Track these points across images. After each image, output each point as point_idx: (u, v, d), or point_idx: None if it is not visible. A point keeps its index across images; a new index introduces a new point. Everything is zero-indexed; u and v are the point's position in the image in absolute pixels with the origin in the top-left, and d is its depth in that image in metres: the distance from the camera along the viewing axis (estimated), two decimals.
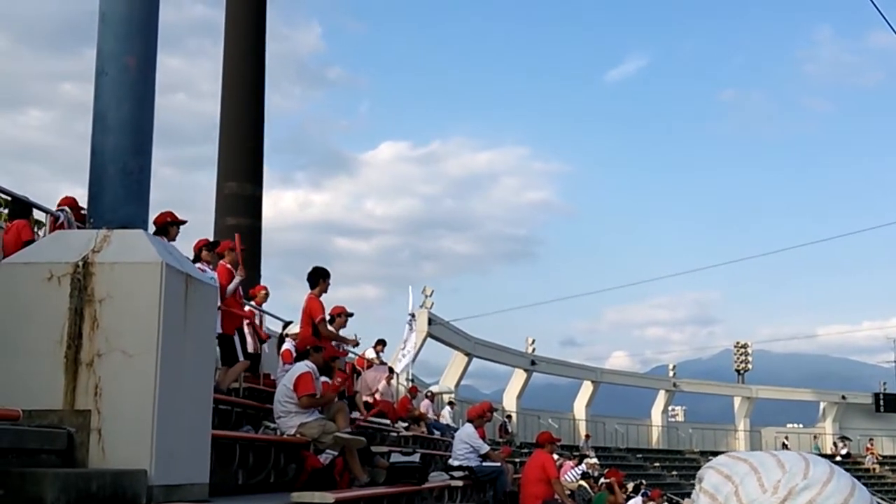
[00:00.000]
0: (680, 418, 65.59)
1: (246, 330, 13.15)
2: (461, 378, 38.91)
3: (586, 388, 47.05)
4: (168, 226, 10.26)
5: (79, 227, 9.24)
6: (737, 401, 53.55)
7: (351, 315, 12.98)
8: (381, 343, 21.35)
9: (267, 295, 15.49)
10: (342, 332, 13.28)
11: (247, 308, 13.77)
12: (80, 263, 5.59)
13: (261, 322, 14.75)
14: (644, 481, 30.67)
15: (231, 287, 11.92)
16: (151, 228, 7.08)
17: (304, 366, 10.45)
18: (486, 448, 15.61)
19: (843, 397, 55.62)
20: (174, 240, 9.95)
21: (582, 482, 21.71)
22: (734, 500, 1.31)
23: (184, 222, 10.68)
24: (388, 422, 17.19)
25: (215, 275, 11.27)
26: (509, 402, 42.25)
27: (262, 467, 9.55)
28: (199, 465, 6.60)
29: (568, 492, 18.98)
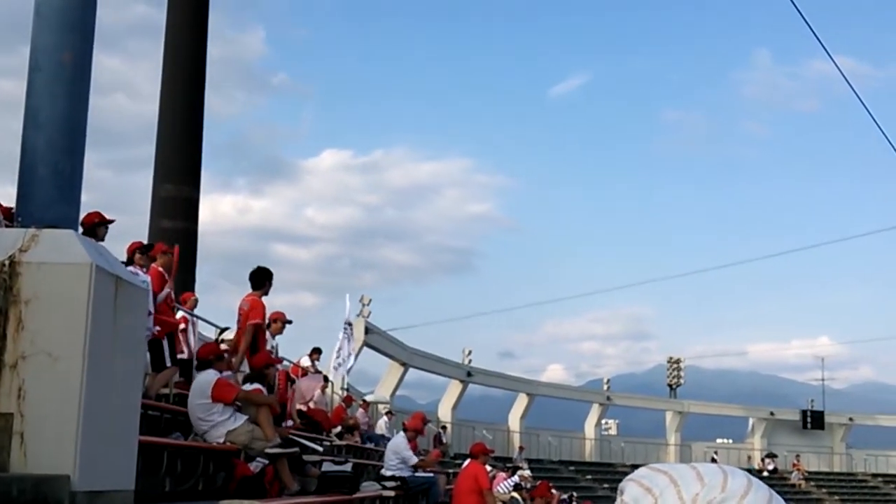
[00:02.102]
0: (613, 432, 66.05)
1: (180, 336, 12.99)
2: (397, 388, 38.84)
3: (521, 401, 47.25)
4: (96, 226, 10.08)
5: (7, 227, 9.05)
6: (668, 415, 54.15)
7: (289, 322, 12.88)
8: (316, 351, 21.23)
9: (196, 301, 15.31)
10: (277, 339, 13.17)
11: (179, 314, 13.60)
12: (7, 263, 5.46)
13: (194, 328, 14.57)
14: (575, 493, 30.88)
15: (162, 294, 11.75)
16: (79, 230, 6.94)
17: (213, 374, 10.25)
18: (413, 460, 15.62)
19: (772, 413, 56.53)
20: (102, 240, 9.77)
21: (514, 494, 21.76)
22: None
23: (111, 222, 10.49)
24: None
25: (148, 278, 11.10)
26: (445, 413, 42.28)
27: (190, 475, 9.41)
28: (125, 471, 6.48)
29: (500, 503, 19.03)
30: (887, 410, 70.82)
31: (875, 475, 54.82)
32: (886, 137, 18.11)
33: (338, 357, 27.90)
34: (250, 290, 12.15)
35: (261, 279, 12.14)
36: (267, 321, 12.53)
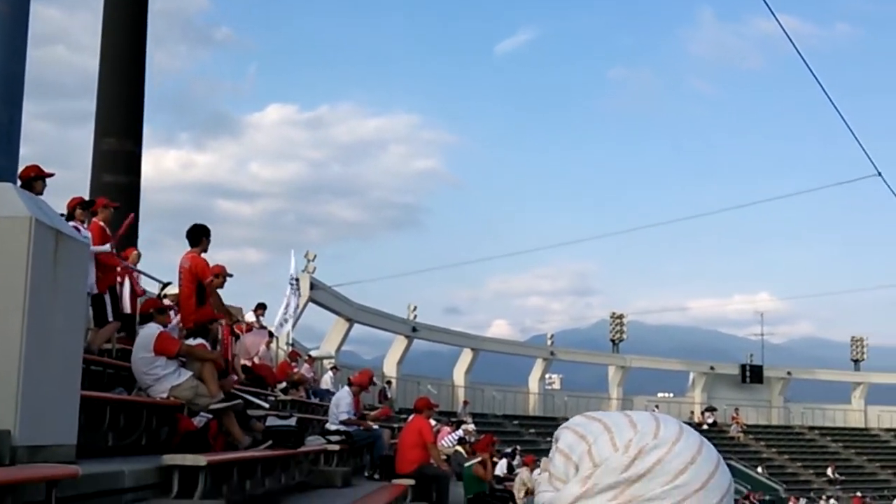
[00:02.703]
0: (556, 386, 66.82)
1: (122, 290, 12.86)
2: (342, 343, 38.86)
3: (466, 356, 47.54)
4: (34, 180, 9.88)
5: None
6: (611, 370, 54.83)
7: (230, 276, 12.78)
8: (261, 307, 21.14)
9: (139, 256, 15.15)
10: (221, 294, 13.08)
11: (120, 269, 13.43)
12: None
13: (136, 283, 14.42)
14: (518, 447, 31.24)
15: (104, 249, 11.60)
16: (17, 183, 6.84)
17: (156, 327, 10.22)
18: (345, 416, 15.74)
19: (712, 368, 57.48)
20: (41, 194, 9.59)
21: (458, 448, 21.96)
22: (587, 459, 1.32)
23: (50, 175, 10.30)
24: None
25: (89, 233, 10.96)
26: (390, 369, 42.42)
27: (133, 429, 9.37)
28: (67, 426, 6.45)
29: (444, 457, 19.19)
30: (825, 365, 72.25)
31: (812, 428, 56.11)
32: (828, 96, 18.36)
33: (285, 312, 27.84)
34: (189, 248, 12.08)
35: (197, 236, 12.06)
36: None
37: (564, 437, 1.37)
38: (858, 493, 45.58)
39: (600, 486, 1.30)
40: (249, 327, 19.55)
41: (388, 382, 38.30)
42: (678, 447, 1.32)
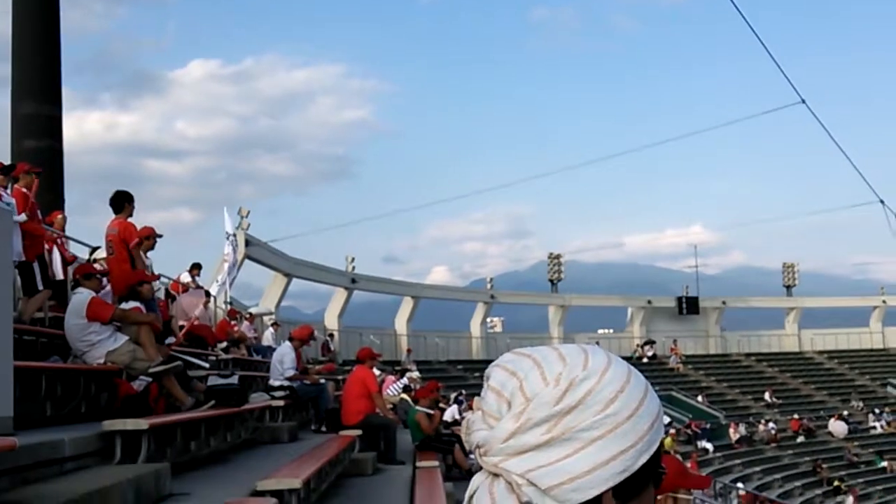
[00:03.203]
0: (498, 329, 67.40)
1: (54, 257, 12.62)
2: (281, 299, 38.67)
3: (407, 304, 47.66)
4: None
5: None
6: (551, 310, 55.40)
7: (160, 236, 12.63)
8: (196, 267, 20.91)
9: (65, 220, 14.88)
10: (150, 256, 12.92)
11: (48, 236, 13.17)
12: None
13: (64, 249, 14.16)
14: (464, 391, 31.52)
15: (26, 216, 11.35)
16: None
17: (87, 293, 10.07)
18: (290, 372, 15.74)
19: (649, 302, 58.35)
20: None
21: (404, 395, 22.09)
22: (519, 395, 1.33)
23: None
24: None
25: (13, 200, 10.72)
26: (331, 321, 42.38)
27: (71, 397, 9.26)
28: (1, 397, 6.34)
29: (390, 405, 19.30)
30: (758, 292, 73.89)
31: (748, 355, 57.39)
32: (750, 26, 18.51)
33: (229, 273, 27.65)
34: (114, 216, 11.95)
35: (120, 202, 11.98)
36: (137, 238, 12.29)
37: (495, 374, 1.37)
38: (796, 416, 46.83)
39: (533, 421, 1.31)
40: (186, 288, 19.37)
41: (331, 335, 38.30)
42: (607, 377, 1.33)
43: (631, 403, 1.32)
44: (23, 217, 11.21)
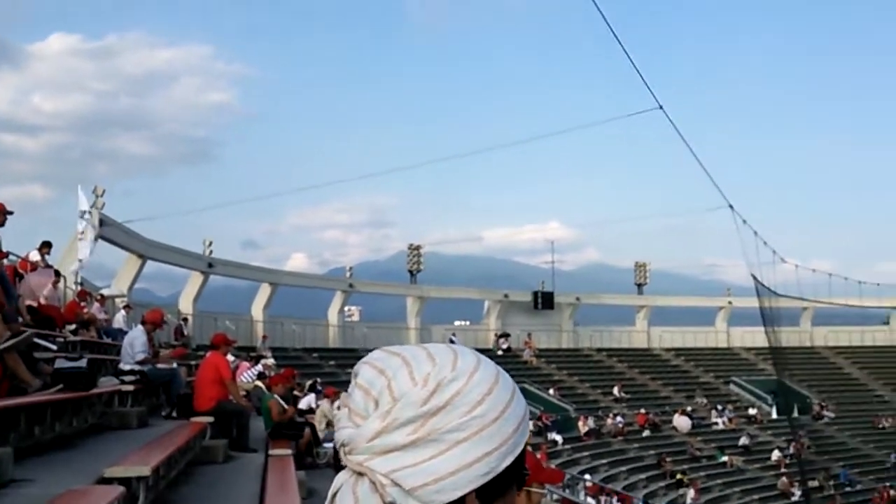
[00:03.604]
0: (356, 318, 67.24)
1: None
2: (134, 281, 37.62)
3: (265, 290, 47.04)
4: None
5: None
6: (409, 300, 55.56)
7: (10, 213, 12.15)
8: (46, 245, 20.16)
9: None
10: (0, 232, 12.42)
11: None
12: None
13: None
14: (319, 379, 31.37)
15: None
16: None
17: None
18: (141, 356, 15.40)
19: (506, 296, 59.16)
20: None
21: (258, 382, 21.85)
22: (387, 393, 1.33)
23: None
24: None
25: None
26: (186, 305, 41.49)
27: None
28: None
29: (243, 392, 19.06)
30: (610, 290, 75.70)
31: (599, 350, 58.82)
32: (613, 32, 18.95)
33: (89, 252, 26.81)
34: None
35: None
36: None
37: (364, 372, 1.37)
38: (643, 410, 48.32)
39: (400, 421, 1.31)
40: (34, 267, 18.66)
41: (185, 319, 37.49)
42: (475, 378, 1.35)
43: (498, 406, 1.34)
44: None
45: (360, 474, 1.33)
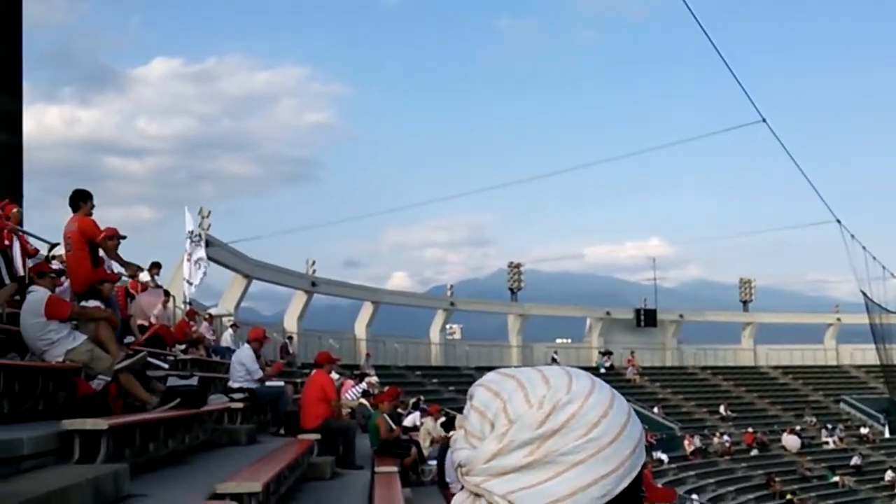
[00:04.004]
0: (457, 336, 67.39)
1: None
2: (241, 300, 38.43)
3: (367, 309, 47.54)
4: None
5: None
6: (510, 318, 55.48)
7: (123, 238, 12.51)
8: (156, 266, 20.73)
9: (21, 213, 14.71)
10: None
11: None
12: None
13: (21, 244, 14.00)
14: (422, 397, 31.50)
15: None
16: None
17: (44, 291, 9.96)
18: (259, 374, 15.61)
19: (608, 313, 58.63)
20: None
21: (363, 400, 22.04)
22: (503, 416, 1.35)
23: None
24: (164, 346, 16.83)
25: None
26: (290, 324, 42.17)
27: (29, 395, 9.15)
28: None
29: (348, 410, 19.27)
30: (714, 307, 74.63)
31: (704, 368, 57.85)
32: (713, 44, 18.71)
33: (199, 269, 27.46)
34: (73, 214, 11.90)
35: (76, 202, 11.93)
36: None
37: (479, 394, 1.39)
38: (750, 429, 47.27)
39: (516, 443, 1.33)
40: (145, 287, 19.20)
41: (290, 338, 38.10)
42: (591, 401, 1.36)
43: (613, 428, 1.34)
44: None
45: (478, 495, 1.35)
